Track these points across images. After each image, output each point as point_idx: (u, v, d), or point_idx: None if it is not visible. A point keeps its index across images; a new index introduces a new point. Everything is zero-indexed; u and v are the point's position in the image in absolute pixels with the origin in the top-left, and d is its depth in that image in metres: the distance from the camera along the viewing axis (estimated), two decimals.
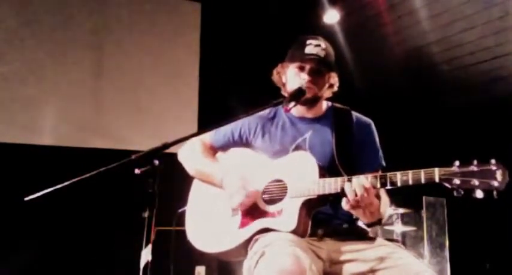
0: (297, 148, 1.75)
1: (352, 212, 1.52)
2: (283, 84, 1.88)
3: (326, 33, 4.48)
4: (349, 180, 1.51)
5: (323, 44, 1.77)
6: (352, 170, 1.61)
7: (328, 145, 1.75)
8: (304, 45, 1.75)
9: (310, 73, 1.74)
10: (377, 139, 1.85)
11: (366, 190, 1.44)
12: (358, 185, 1.45)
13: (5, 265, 3.50)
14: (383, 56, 5.13)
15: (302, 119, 1.84)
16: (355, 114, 1.86)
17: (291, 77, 1.79)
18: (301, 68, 1.76)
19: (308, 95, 1.72)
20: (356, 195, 1.45)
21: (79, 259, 3.75)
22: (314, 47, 1.74)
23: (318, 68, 1.76)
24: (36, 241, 3.59)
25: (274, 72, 1.91)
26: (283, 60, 1.88)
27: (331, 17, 4.48)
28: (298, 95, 1.69)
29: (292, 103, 1.69)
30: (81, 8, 4.29)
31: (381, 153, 1.83)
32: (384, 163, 1.80)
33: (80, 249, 3.76)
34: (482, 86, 5.40)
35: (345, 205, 1.49)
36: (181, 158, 1.98)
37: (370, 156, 1.79)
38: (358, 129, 1.80)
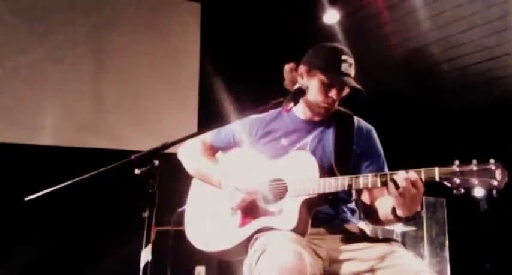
0: (299, 150, 1.76)
1: (399, 201, 1.47)
2: (294, 83, 1.84)
3: (326, 33, 4.50)
4: (351, 179, 1.52)
5: (353, 61, 1.75)
6: (348, 175, 1.58)
7: (328, 148, 1.75)
8: (339, 60, 1.71)
9: (338, 92, 1.74)
10: (378, 145, 1.84)
11: (412, 182, 1.41)
12: (401, 178, 1.42)
13: (5, 265, 3.51)
14: (383, 56, 5.13)
15: (306, 122, 1.84)
16: (357, 119, 1.86)
17: (316, 87, 1.74)
18: (331, 85, 1.73)
19: (328, 111, 1.77)
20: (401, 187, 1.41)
21: (79, 259, 3.75)
22: (349, 66, 1.72)
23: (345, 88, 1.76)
24: (36, 241, 3.59)
25: (289, 68, 1.87)
26: (297, 56, 1.84)
27: (331, 17, 4.48)
28: (298, 95, 1.69)
29: (292, 103, 1.69)
30: (81, 8, 4.29)
31: (383, 159, 1.82)
32: (386, 169, 1.77)
33: (80, 249, 3.77)
34: (482, 86, 5.40)
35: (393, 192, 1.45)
36: (181, 156, 1.98)
37: (370, 161, 1.79)
38: (358, 135, 1.81)
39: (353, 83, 1.71)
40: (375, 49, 4.97)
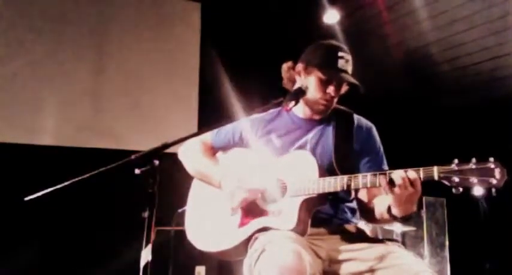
0: (299, 148, 1.76)
1: (395, 200, 1.48)
2: (293, 81, 1.86)
3: (326, 33, 4.50)
4: (350, 179, 1.51)
5: (350, 58, 1.76)
6: (348, 173, 1.58)
7: (328, 147, 1.75)
8: (336, 57, 1.71)
9: (336, 89, 1.74)
10: (377, 142, 1.84)
11: (411, 181, 1.40)
12: (398, 177, 1.41)
13: (5, 265, 3.50)
14: (383, 56, 5.13)
15: (306, 120, 1.83)
16: (357, 117, 1.86)
17: (313, 84, 1.74)
18: (329, 81, 1.73)
19: (327, 108, 1.76)
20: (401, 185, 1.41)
21: (79, 259, 3.75)
22: (345, 62, 1.72)
23: (343, 84, 1.76)
24: (36, 241, 3.59)
25: (287, 66, 1.87)
26: (297, 56, 1.84)
27: (331, 17, 4.48)
28: (298, 95, 1.70)
29: (293, 103, 1.69)
30: (81, 9, 4.29)
31: (381, 156, 1.82)
32: (386, 167, 1.77)
33: (80, 249, 3.77)
34: (482, 86, 5.40)
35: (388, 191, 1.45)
36: (181, 157, 1.98)
37: (369, 158, 1.78)
38: (358, 133, 1.80)
39: (350, 79, 1.71)
40: (375, 49, 4.97)
